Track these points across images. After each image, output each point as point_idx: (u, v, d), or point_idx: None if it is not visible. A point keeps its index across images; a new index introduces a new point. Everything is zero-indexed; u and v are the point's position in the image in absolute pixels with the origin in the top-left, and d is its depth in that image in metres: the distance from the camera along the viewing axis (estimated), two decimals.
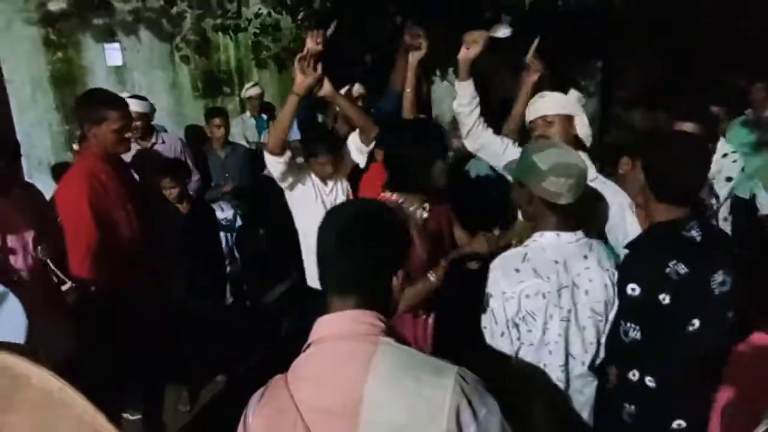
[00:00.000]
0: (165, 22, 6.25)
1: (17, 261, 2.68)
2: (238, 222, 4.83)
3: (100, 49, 6.15)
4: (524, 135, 2.71)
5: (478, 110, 2.62)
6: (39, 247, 2.79)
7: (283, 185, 3.04)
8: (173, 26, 6.29)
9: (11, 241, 2.65)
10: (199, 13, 6.25)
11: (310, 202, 3.08)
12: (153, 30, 6.24)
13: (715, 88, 4.78)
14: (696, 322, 1.79)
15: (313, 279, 3.19)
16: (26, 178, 5.54)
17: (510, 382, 1.84)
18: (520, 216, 2.56)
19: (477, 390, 1.18)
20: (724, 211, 2.89)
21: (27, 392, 0.93)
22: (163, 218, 3.84)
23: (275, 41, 6.38)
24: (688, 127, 2.64)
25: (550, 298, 1.80)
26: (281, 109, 3.14)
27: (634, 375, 1.87)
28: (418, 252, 2.25)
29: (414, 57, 3.16)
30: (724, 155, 2.89)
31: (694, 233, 1.83)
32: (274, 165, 2.86)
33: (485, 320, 1.87)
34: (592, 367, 1.94)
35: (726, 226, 2.89)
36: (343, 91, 3.53)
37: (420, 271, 2.17)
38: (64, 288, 2.89)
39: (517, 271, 1.81)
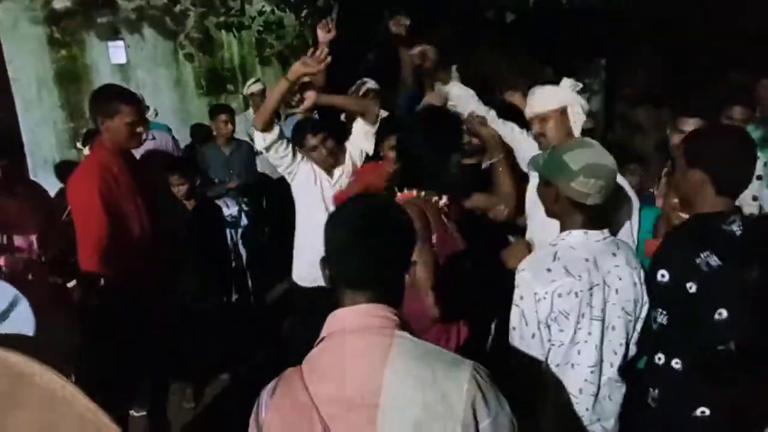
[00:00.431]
0: (168, 20, 6.26)
1: (23, 259, 2.70)
2: (243, 219, 4.85)
3: (104, 47, 6.17)
4: None
5: (473, 99, 2.64)
6: (46, 246, 2.80)
7: (281, 169, 3.09)
8: (177, 24, 6.30)
9: (17, 239, 2.66)
10: (202, 11, 6.26)
11: (311, 192, 3.10)
12: (157, 28, 6.25)
13: (719, 86, 4.76)
14: (723, 312, 1.78)
15: (300, 276, 3.23)
16: (31, 177, 5.58)
17: (539, 385, 1.82)
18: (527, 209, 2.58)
19: (490, 384, 1.20)
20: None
21: (30, 390, 0.93)
22: (170, 215, 3.86)
23: (279, 39, 6.39)
24: (692, 123, 2.62)
25: (582, 297, 1.77)
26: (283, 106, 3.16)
27: (659, 359, 1.87)
28: (450, 235, 2.21)
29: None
30: None
31: (735, 227, 1.81)
32: (258, 138, 2.94)
33: (514, 322, 1.82)
34: (621, 371, 1.90)
35: None
36: (353, 89, 3.53)
37: (453, 256, 2.14)
38: (69, 285, 2.91)
39: (549, 270, 1.77)
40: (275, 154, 3.00)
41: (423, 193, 2.19)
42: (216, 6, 6.26)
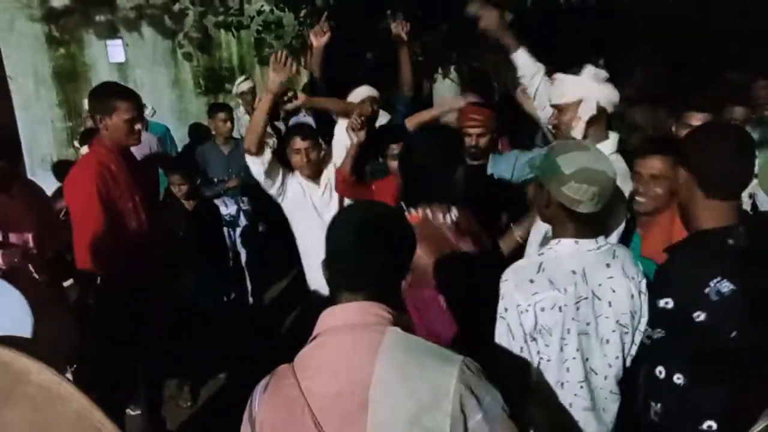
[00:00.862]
0: (167, 18, 6.26)
1: (18, 257, 2.69)
2: (242, 218, 4.85)
3: (102, 45, 6.16)
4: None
5: (541, 73, 2.62)
6: (43, 244, 2.80)
7: (271, 191, 3.08)
8: (175, 23, 6.29)
9: (13, 237, 2.66)
10: (201, 10, 6.26)
11: (301, 206, 3.09)
12: (155, 27, 6.25)
13: (719, 86, 4.75)
14: (734, 333, 1.66)
15: (314, 282, 3.16)
16: (29, 175, 5.58)
17: (529, 400, 1.76)
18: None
19: (481, 379, 1.21)
20: None
21: (26, 388, 0.93)
22: (170, 214, 3.86)
23: (278, 38, 6.38)
24: (700, 118, 2.57)
25: (567, 312, 1.68)
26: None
27: (660, 373, 1.77)
28: (462, 247, 2.18)
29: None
30: None
31: (740, 240, 1.68)
32: (252, 164, 2.95)
33: (500, 335, 1.74)
34: (617, 383, 1.83)
35: None
36: (350, 96, 3.50)
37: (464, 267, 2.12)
38: (65, 284, 2.90)
39: (532, 282, 1.68)
40: (268, 176, 2.99)
41: (429, 212, 2.15)
42: (215, 5, 6.26)
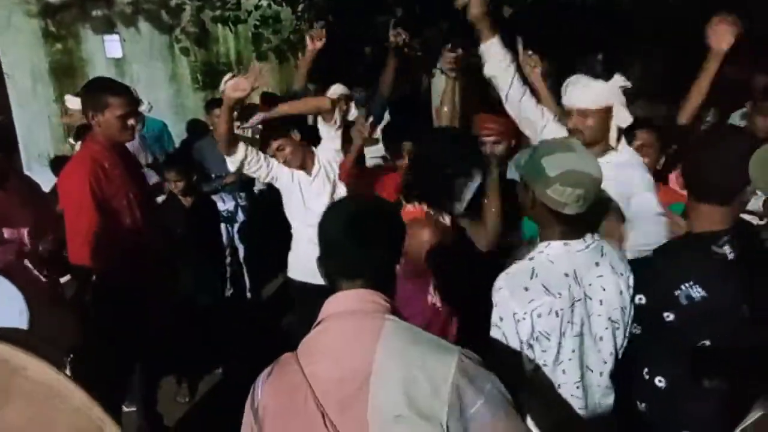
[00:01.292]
0: (164, 13, 6.24)
1: (14, 253, 2.68)
2: (239, 214, 4.84)
3: (99, 40, 6.14)
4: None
5: (512, 69, 2.38)
6: (38, 240, 2.78)
7: (262, 180, 3.17)
8: (173, 18, 6.27)
9: (7, 232, 2.64)
10: (198, 5, 6.24)
11: (289, 190, 3.15)
12: (152, 22, 6.22)
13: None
14: (706, 343, 1.65)
15: (294, 270, 3.26)
16: (26, 171, 5.56)
17: (525, 407, 1.72)
18: None
19: (479, 368, 1.23)
20: None
21: (23, 383, 0.92)
22: (168, 211, 3.85)
23: (275, 33, 6.36)
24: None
25: (563, 315, 1.66)
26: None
27: (646, 373, 1.78)
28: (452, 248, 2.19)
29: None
30: None
31: (727, 249, 1.64)
32: (228, 163, 3.04)
33: (495, 343, 1.71)
34: (610, 377, 1.82)
35: None
36: (328, 93, 3.51)
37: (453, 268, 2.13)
38: (62, 281, 2.89)
39: (526, 289, 1.65)
40: (249, 170, 3.05)
41: (430, 210, 2.17)
42: (212, 0, 6.23)
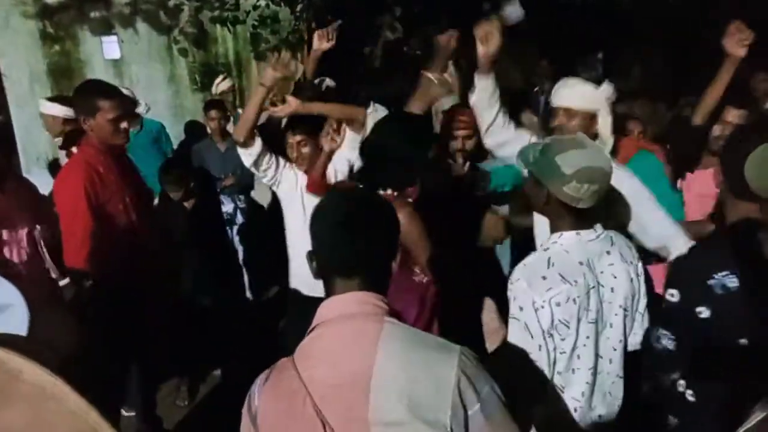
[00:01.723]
0: (162, 14, 6.22)
1: (12, 255, 2.67)
2: (239, 216, 4.82)
3: (97, 42, 6.13)
4: None
5: (497, 105, 2.39)
6: (37, 242, 2.77)
7: (264, 181, 3.08)
8: (171, 18, 6.25)
9: (5, 234, 2.63)
10: (196, 6, 6.22)
11: (291, 196, 3.06)
12: (151, 22, 6.21)
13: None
14: (744, 341, 1.61)
15: (298, 281, 3.13)
16: (24, 173, 5.55)
17: (542, 396, 1.76)
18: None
19: (479, 368, 1.22)
20: None
21: (20, 387, 0.91)
22: (168, 214, 3.83)
23: (274, 33, 6.34)
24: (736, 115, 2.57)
25: (581, 303, 1.71)
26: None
27: (680, 386, 1.74)
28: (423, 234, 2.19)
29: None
30: None
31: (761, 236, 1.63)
32: (242, 156, 2.92)
33: (516, 337, 1.73)
34: (621, 366, 1.86)
35: None
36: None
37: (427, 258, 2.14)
38: (61, 283, 2.87)
39: (544, 278, 1.70)
40: (261, 166, 2.96)
41: (394, 193, 2.17)
42: (210, 0, 6.22)
